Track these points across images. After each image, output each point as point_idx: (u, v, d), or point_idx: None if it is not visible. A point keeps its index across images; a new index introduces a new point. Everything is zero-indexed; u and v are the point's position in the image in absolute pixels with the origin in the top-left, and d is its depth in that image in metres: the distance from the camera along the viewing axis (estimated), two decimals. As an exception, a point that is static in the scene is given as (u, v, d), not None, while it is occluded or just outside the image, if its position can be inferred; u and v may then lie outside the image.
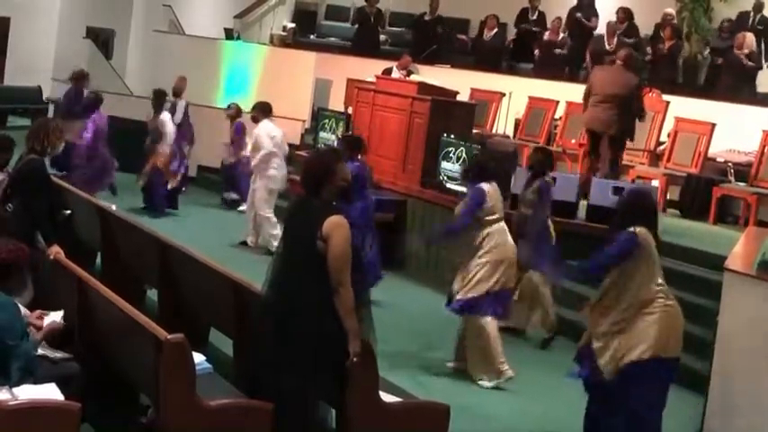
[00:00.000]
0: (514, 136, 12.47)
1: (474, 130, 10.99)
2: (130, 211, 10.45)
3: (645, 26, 13.76)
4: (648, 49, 13.39)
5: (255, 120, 10.17)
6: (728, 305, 5.84)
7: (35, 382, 4.44)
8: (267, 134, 9.95)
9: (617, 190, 8.56)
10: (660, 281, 5.20)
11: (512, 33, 15.31)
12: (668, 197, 10.48)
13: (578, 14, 14.20)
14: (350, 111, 11.91)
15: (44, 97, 16.22)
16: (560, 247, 7.39)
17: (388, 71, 12.85)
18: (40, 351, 4.76)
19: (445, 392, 6.24)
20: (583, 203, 9.10)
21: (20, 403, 4.15)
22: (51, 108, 15.41)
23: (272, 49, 15.70)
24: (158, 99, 11.34)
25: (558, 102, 12.22)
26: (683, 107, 11.15)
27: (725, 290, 5.91)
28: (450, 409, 5.25)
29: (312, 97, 14.18)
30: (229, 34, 16.01)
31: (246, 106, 11.84)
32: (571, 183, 9.05)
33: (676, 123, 10.83)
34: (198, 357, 4.72)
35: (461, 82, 12.07)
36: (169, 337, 4.35)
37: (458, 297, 6.66)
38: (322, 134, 11.83)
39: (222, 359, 5.89)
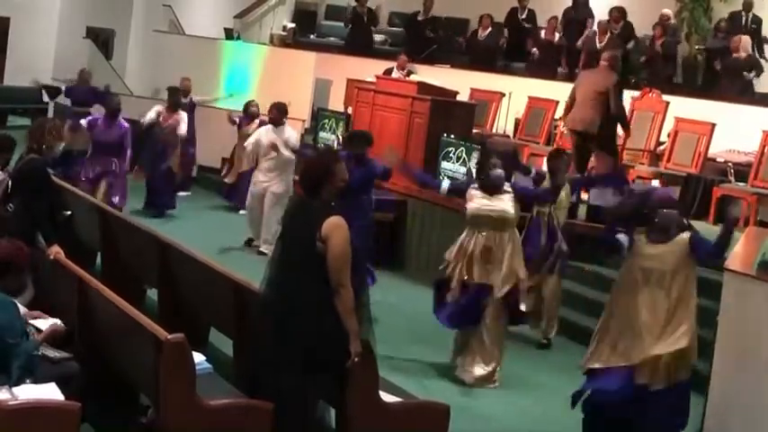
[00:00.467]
0: (514, 136, 12.47)
1: (474, 130, 11.00)
2: (132, 211, 10.46)
3: (643, 26, 13.77)
4: (647, 44, 13.37)
5: (274, 121, 9.95)
6: (728, 305, 5.84)
7: (35, 382, 4.44)
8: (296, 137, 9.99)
9: (617, 190, 8.56)
10: None
11: (505, 32, 15.30)
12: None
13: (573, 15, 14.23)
14: (350, 111, 11.91)
15: (44, 98, 16.23)
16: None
17: (389, 71, 12.86)
18: (39, 351, 4.76)
19: (445, 392, 6.25)
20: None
21: (20, 403, 4.16)
22: (51, 108, 15.43)
23: (272, 49, 15.70)
24: (174, 96, 11.30)
25: (557, 102, 12.21)
26: (682, 107, 11.15)
27: (725, 290, 5.91)
28: (450, 409, 5.26)
29: (312, 97, 14.20)
30: (229, 34, 16.01)
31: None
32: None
33: (676, 123, 10.82)
34: (198, 357, 4.73)
35: (461, 82, 12.07)
36: (169, 337, 4.35)
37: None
38: (322, 134, 11.83)
39: (222, 359, 5.90)
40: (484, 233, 6.64)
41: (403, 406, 5.10)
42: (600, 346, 5.43)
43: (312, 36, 17.18)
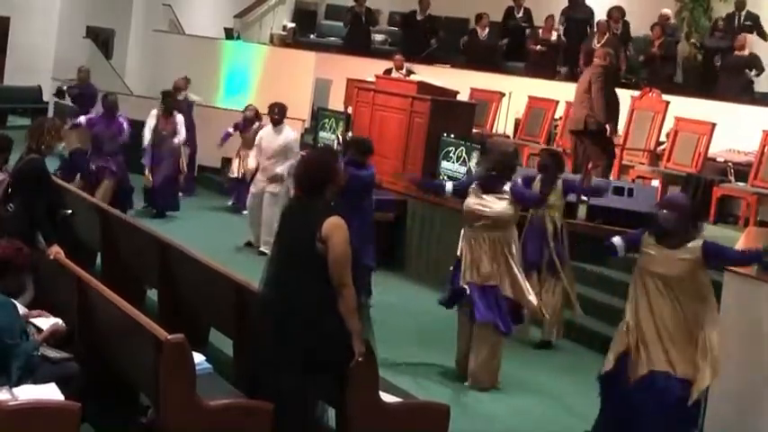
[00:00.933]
0: (514, 136, 12.47)
1: (474, 130, 11.00)
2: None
3: (642, 26, 13.77)
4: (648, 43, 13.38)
5: (276, 122, 9.93)
6: (728, 305, 5.83)
7: (35, 382, 4.44)
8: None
9: (617, 190, 8.56)
10: None
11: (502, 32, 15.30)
12: (668, 197, 10.47)
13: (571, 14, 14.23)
14: (350, 110, 11.91)
15: (44, 97, 16.24)
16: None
17: (389, 71, 12.86)
18: (39, 351, 4.76)
19: (445, 392, 6.25)
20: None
21: (20, 403, 4.16)
22: (51, 107, 15.43)
23: (272, 49, 15.71)
24: (167, 101, 11.28)
25: (557, 102, 12.22)
26: (682, 107, 11.15)
27: (725, 290, 5.90)
28: (450, 409, 5.26)
29: (312, 97, 14.19)
30: (229, 34, 16.01)
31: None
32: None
33: (676, 123, 10.82)
34: (198, 357, 4.72)
35: (461, 82, 12.07)
36: (169, 337, 4.35)
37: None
38: (322, 134, 11.84)
39: (222, 359, 5.89)
40: (480, 231, 6.60)
41: (403, 406, 5.09)
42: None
43: (312, 36, 17.19)
